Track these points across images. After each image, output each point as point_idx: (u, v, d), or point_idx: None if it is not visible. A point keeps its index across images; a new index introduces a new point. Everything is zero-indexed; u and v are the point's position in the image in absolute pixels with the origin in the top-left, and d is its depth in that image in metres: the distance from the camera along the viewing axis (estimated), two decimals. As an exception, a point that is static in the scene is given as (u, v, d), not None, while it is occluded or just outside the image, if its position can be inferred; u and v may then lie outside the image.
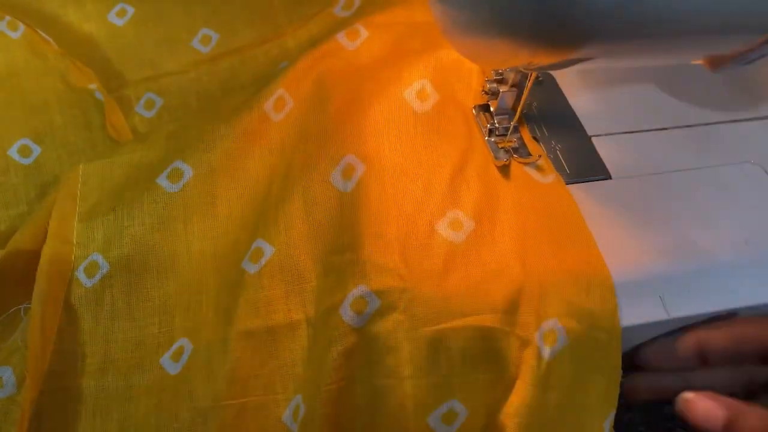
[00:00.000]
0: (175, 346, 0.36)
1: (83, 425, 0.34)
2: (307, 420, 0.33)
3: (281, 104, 0.40)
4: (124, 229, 0.37)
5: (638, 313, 0.35)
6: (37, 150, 0.44)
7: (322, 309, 0.34)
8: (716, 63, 0.25)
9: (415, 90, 0.39)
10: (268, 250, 0.36)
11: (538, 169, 0.38)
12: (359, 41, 0.42)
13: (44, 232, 0.37)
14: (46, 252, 0.36)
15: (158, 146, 0.40)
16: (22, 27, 0.46)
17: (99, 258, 0.36)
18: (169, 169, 0.38)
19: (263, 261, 0.35)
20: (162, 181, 0.38)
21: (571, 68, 0.45)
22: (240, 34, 0.49)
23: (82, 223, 0.37)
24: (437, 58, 0.40)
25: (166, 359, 0.36)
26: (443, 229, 0.34)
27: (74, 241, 0.37)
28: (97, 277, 0.36)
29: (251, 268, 0.36)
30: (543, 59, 0.24)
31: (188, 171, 0.38)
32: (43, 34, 0.46)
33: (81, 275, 0.36)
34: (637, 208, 0.38)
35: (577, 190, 0.39)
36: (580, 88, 0.44)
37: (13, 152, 0.43)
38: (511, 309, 0.33)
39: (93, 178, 0.39)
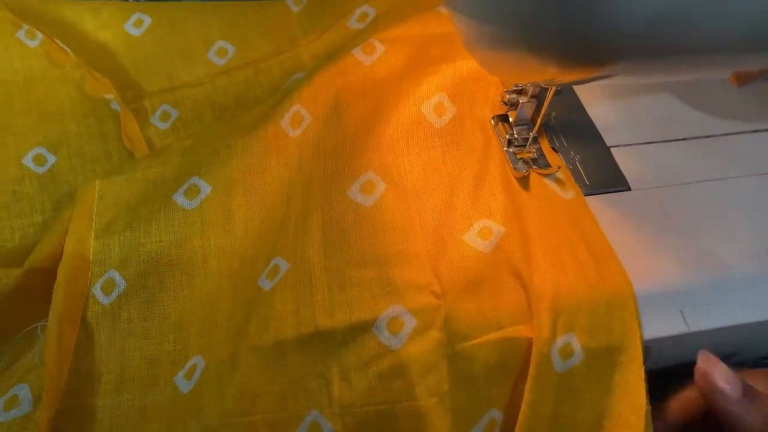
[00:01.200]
0: (189, 364, 0.36)
1: None
2: None
3: (298, 120, 0.40)
4: (140, 246, 0.37)
5: (658, 326, 0.35)
6: (52, 159, 0.44)
7: (346, 324, 0.33)
8: (742, 79, 0.25)
9: (433, 104, 0.39)
10: (284, 266, 0.36)
11: (558, 182, 0.38)
12: (375, 56, 0.41)
13: (61, 250, 0.37)
14: (63, 269, 0.36)
15: (174, 162, 0.40)
16: (39, 36, 0.46)
17: (116, 275, 0.37)
18: (186, 186, 0.38)
19: (278, 278, 0.35)
20: (179, 198, 0.38)
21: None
22: (255, 46, 0.50)
23: (98, 240, 0.37)
24: (455, 69, 0.40)
25: (180, 378, 0.36)
26: (471, 239, 0.34)
27: (91, 258, 0.37)
28: (114, 294, 0.36)
29: (266, 285, 0.36)
30: (569, 77, 0.24)
31: (205, 188, 0.38)
32: (61, 44, 0.46)
33: (98, 292, 0.36)
34: (657, 220, 0.38)
35: (597, 202, 0.38)
36: (600, 98, 0.44)
37: (28, 161, 0.43)
38: (537, 320, 0.33)
39: (109, 194, 0.39)
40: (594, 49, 0.21)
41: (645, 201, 0.39)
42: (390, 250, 0.34)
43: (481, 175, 0.37)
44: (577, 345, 0.33)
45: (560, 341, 0.33)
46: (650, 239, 0.37)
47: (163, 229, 0.37)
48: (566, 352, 0.33)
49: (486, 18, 0.24)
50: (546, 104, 0.36)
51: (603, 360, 0.33)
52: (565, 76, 0.25)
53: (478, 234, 0.34)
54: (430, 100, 0.39)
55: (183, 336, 0.36)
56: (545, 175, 0.38)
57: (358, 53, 0.41)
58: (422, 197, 0.36)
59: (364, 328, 0.33)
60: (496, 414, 0.33)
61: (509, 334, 0.33)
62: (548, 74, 0.25)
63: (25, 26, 0.46)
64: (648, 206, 0.38)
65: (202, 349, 0.36)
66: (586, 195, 0.39)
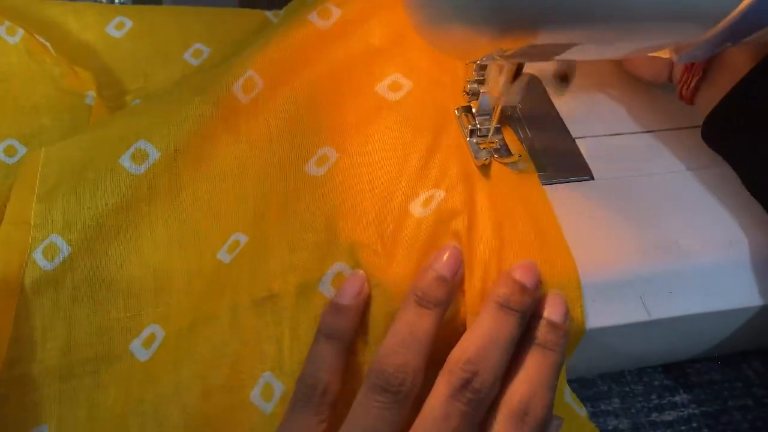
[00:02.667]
0: (145, 333, 0.35)
1: (48, 411, 0.33)
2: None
3: (250, 86, 0.39)
4: (85, 210, 0.36)
5: (619, 313, 0.35)
6: (22, 150, 0.44)
7: (297, 286, 0.34)
8: (678, 51, 0.25)
9: (387, 83, 0.39)
10: (243, 240, 0.36)
11: (518, 170, 0.38)
12: (332, 20, 0.41)
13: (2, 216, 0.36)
14: (1, 235, 0.35)
15: (121, 123, 0.40)
16: (20, 32, 0.47)
17: (59, 240, 0.35)
18: (132, 149, 0.37)
19: (237, 251, 0.36)
20: (125, 162, 0.37)
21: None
22: (231, 50, 0.50)
23: (40, 203, 0.36)
24: (410, 51, 0.41)
25: (136, 346, 0.35)
26: (415, 207, 0.34)
27: (32, 223, 0.36)
28: (58, 259, 0.35)
29: (226, 259, 0.36)
30: (501, 45, 0.25)
31: (154, 153, 0.37)
32: (41, 40, 0.47)
33: (39, 258, 0.35)
34: (620, 209, 0.38)
35: (560, 190, 0.39)
36: (567, 90, 0.44)
37: None
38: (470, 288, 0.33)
39: (54, 159, 0.38)
40: (515, 16, 0.22)
41: (608, 190, 0.39)
42: (339, 212, 0.35)
43: (434, 146, 0.37)
44: None
45: None
46: (612, 227, 0.37)
47: (109, 193, 0.36)
48: None
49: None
50: (502, 93, 0.36)
51: None
52: (497, 45, 0.25)
53: (422, 203, 0.35)
54: (384, 81, 0.39)
55: (134, 303, 0.36)
56: (506, 164, 0.38)
57: (314, 18, 0.41)
58: (374, 164, 0.36)
59: (312, 286, 0.33)
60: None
61: None
62: (485, 46, 0.26)
63: (7, 23, 0.47)
64: (611, 195, 0.38)
65: (159, 319, 0.35)
66: (548, 183, 0.39)
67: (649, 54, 0.29)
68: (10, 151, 0.44)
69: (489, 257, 0.33)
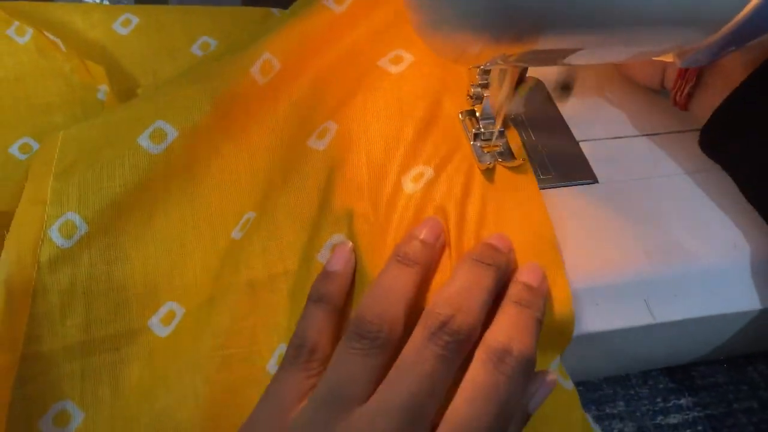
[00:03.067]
0: (163, 310, 0.36)
1: (70, 387, 0.34)
2: None
3: (268, 68, 0.40)
4: (102, 188, 0.36)
5: (623, 317, 0.35)
6: (36, 146, 0.44)
7: (302, 259, 0.35)
8: (681, 56, 0.25)
9: (389, 58, 0.40)
10: (252, 216, 0.37)
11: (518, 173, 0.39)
12: (346, 4, 0.42)
13: (20, 193, 0.37)
14: (18, 214, 0.36)
15: (138, 107, 0.40)
16: (30, 31, 0.47)
17: (75, 217, 0.35)
18: (151, 129, 0.37)
19: (247, 227, 0.37)
20: (144, 141, 0.37)
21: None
22: (239, 42, 0.50)
23: (57, 181, 0.36)
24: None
25: (155, 322, 0.36)
26: (406, 182, 0.35)
27: (48, 200, 0.36)
28: (75, 237, 0.35)
29: (238, 236, 0.37)
30: (503, 50, 0.25)
31: (172, 132, 0.38)
32: (51, 36, 0.48)
33: (55, 235, 0.35)
34: (624, 212, 0.38)
35: (564, 193, 0.39)
36: (568, 98, 0.44)
37: (14, 150, 0.44)
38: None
39: (71, 141, 0.38)
40: (517, 20, 0.22)
41: (612, 193, 0.39)
42: (337, 184, 0.36)
43: (431, 118, 0.38)
44: None
45: None
46: (616, 230, 0.37)
47: (127, 172, 0.36)
48: None
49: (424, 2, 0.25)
50: (506, 97, 0.36)
51: None
52: (500, 50, 0.25)
53: (413, 178, 0.35)
54: (387, 55, 0.40)
55: (150, 279, 0.36)
56: (510, 168, 0.38)
57: (329, 2, 0.42)
58: (371, 134, 0.37)
59: (313, 257, 0.35)
60: None
61: None
62: (488, 51, 0.26)
63: (16, 23, 0.48)
64: (615, 199, 0.38)
65: (177, 297, 0.36)
66: (552, 186, 0.39)
67: (653, 58, 0.29)
68: (25, 149, 0.44)
69: (472, 232, 0.34)
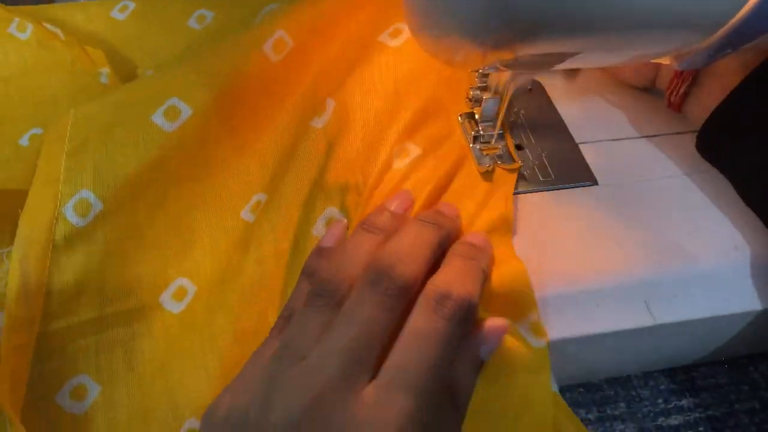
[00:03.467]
0: (174, 286, 0.36)
1: (85, 362, 0.34)
2: None
3: (281, 45, 0.40)
4: (117, 166, 0.36)
5: (623, 318, 0.35)
6: None
7: (299, 235, 0.36)
8: (680, 59, 0.25)
9: (389, 32, 0.41)
10: (263, 199, 0.38)
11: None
12: None
13: (32, 173, 0.37)
14: (32, 192, 0.36)
15: (149, 84, 0.40)
16: (30, 26, 0.48)
17: (90, 195, 0.36)
18: (165, 107, 0.38)
19: (259, 209, 0.37)
20: (158, 119, 0.37)
21: (559, 76, 0.45)
22: (234, 12, 0.51)
23: (70, 159, 0.36)
24: None
25: (166, 298, 0.36)
26: (395, 155, 0.37)
27: (61, 179, 0.36)
28: (90, 215, 0.35)
29: (250, 218, 0.38)
30: (500, 55, 0.25)
31: (186, 110, 0.38)
32: (51, 27, 0.48)
33: (69, 213, 0.35)
34: (623, 214, 0.38)
35: (563, 196, 0.39)
36: (570, 95, 0.44)
37: (24, 141, 0.44)
38: None
39: (82, 119, 0.38)
40: (510, 24, 0.22)
41: (612, 195, 0.39)
42: (333, 160, 0.37)
43: (427, 94, 0.39)
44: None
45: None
46: (616, 232, 0.37)
47: (141, 149, 0.37)
48: None
49: (422, 6, 0.25)
50: (506, 100, 0.36)
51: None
52: (494, 55, 0.25)
53: (399, 153, 0.37)
54: (387, 30, 0.41)
55: (161, 256, 0.37)
56: (509, 171, 0.39)
57: None
58: (366, 108, 0.38)
59: (308, 232, 0.36)
60: None
61: None
62: (485, 56, 0.26)
63: (16, 19, 0.48)
64: (614, 201, 0.38)
65: (186, 272, 0.37)
66: (552, 189, 0.39)
67: (651, 60, 0.29)
68: (34, 140, 0.44)
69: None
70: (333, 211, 0.36)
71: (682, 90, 0.38)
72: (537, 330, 0.33)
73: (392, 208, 0.34)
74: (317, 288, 0.30)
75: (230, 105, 0.39)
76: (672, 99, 0.39)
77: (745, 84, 0.35)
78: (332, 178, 0.36)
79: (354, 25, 0.42)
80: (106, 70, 0.47)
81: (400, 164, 0.37)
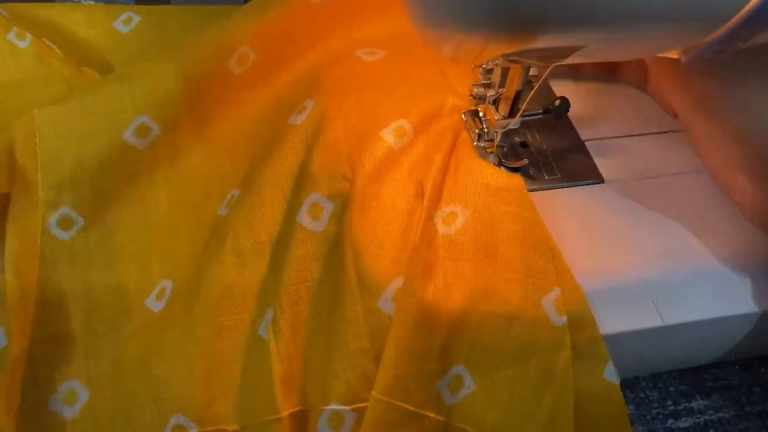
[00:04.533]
0: (156, 289, 0.38)
1: (76, 368, 0.36)
2: (276, 326, 0.35)
3: (244, 59, 0.42)
4: (95, 184, 0.38)
5: (632, 319, 0.34)
6: None
7: (282, 224, 0.36)
8: (688, 51, 0.24)
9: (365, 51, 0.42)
10: (237, 193, 0.38)
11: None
12: None
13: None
14: (14, 209, 0.38)
15: (112, 92, 0.40)
16: (29, 36, 0.48)
17: (72, 213, 0.38)
18: (135, 125, 0.39)
19: (232, 203, 0.38)
20: (131, 139, 0.39)
21: (565, 73, 0.45)
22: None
23: (47, 174, 0.38)
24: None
25: (150, 300, 0.38)
26: (386, 134, 0.36)
27: (41, 196, 0.37)
28: (74, 230, 0.38)
29: (224, 212, 0.38)
30: (503, 49, 0.24)
31: (155, 128, 0.40)
32: (49, 43, 0.48)
33: (54, 229, 0.37)
34: (631, 212, 0.37)
35: (570, 194, 0.38)
36: (576, 93, 0.43)
37: None
38: None
39: (48, 124, 0.39)
40: (518, 17, 0.21)
41: (619, 193, 0.38)
42: (315, 150, 0.37)
43: (414, 80, 0.39)
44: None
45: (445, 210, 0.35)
46: (623, 231, 0.36)
47: (118, 168, 0.39)
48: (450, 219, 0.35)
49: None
50: (511, 97, 0.36)
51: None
52: (502, 48, 0.25)
53: (393, 131, 0.36)
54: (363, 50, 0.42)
55: (144, 264, 0.38)
56: (514, 168, 0.38)
57: None
58: (346, 106, 0.38)
59: (292, 220, 0.36)
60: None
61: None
62: (488, 50, 0.25)
63: (15, 28, 0.48)
64: (622, 199, 0.38)
65: (167, 274, 0.38)
66: (559, 187, 0.38)
67: (658, 54, 0.28)
68: None
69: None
70: (317, 196, 0.36)
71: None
72: (560, 307, 0.33)
73: None
74: None
75: (197, 118, 0.41)
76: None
77: None
78: (315, 169, 0.36)
79: (325, 38, 0.43)
80: None
81: (394, 142, 0.36)
